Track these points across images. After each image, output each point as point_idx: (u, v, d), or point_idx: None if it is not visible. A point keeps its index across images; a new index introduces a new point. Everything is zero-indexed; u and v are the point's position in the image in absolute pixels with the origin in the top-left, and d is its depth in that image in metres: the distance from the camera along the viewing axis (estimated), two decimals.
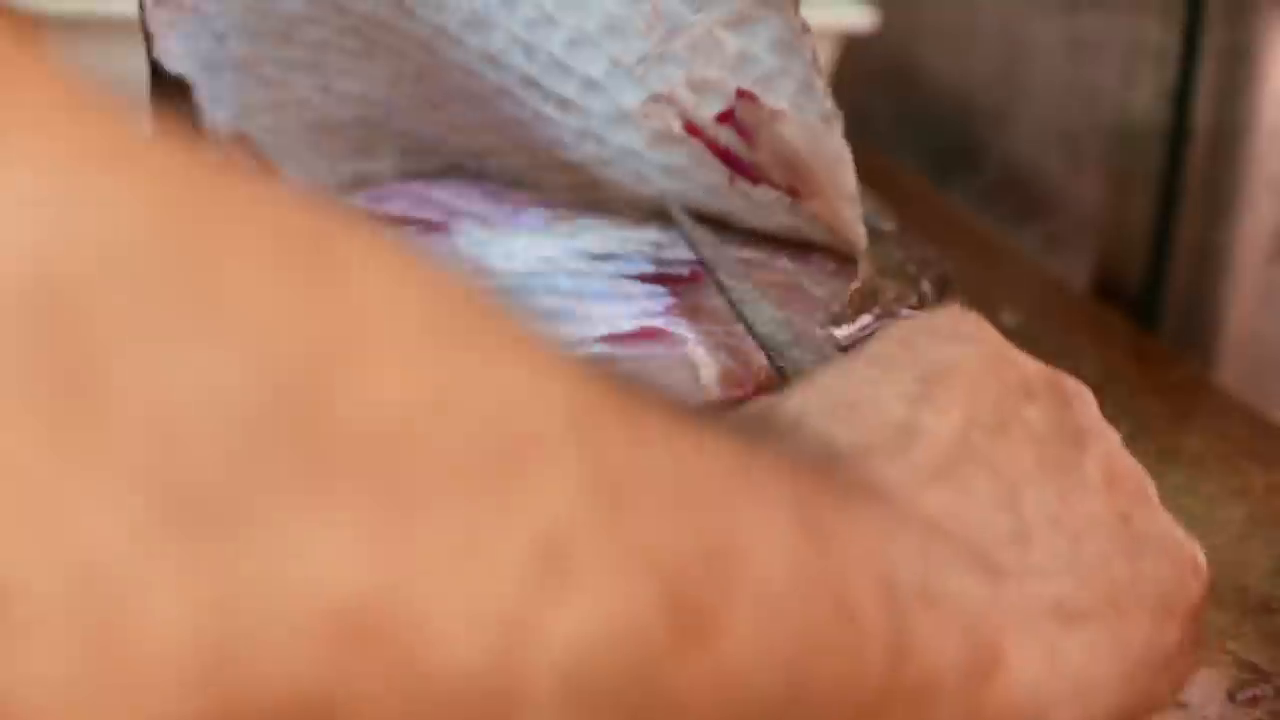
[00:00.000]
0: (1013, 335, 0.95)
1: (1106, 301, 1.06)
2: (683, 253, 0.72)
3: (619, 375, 0.39)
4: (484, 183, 0.78)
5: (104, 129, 0.25)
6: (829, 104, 0.69)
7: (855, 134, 1.26)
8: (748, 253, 0.73)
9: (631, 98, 0.73)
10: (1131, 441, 0.83)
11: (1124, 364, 0.92)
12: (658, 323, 0.68)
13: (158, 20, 0.77)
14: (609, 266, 0.71)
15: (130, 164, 0.25)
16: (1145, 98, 1.02)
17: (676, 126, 0.73)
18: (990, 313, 0.96)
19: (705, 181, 0.74)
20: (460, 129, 0.78)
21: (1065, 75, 1.12)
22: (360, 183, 0.81)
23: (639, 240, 0.73)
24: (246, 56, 0.76)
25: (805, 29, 0.70)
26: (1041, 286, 1.03)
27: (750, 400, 0.64)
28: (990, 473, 0.44)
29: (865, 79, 1.25)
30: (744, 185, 0.73)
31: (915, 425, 0.44)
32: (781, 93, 0.70)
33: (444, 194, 0.77)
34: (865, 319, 0.69)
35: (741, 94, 0.71)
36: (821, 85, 0.69)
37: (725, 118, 0.72)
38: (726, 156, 0.73)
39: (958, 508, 0.43)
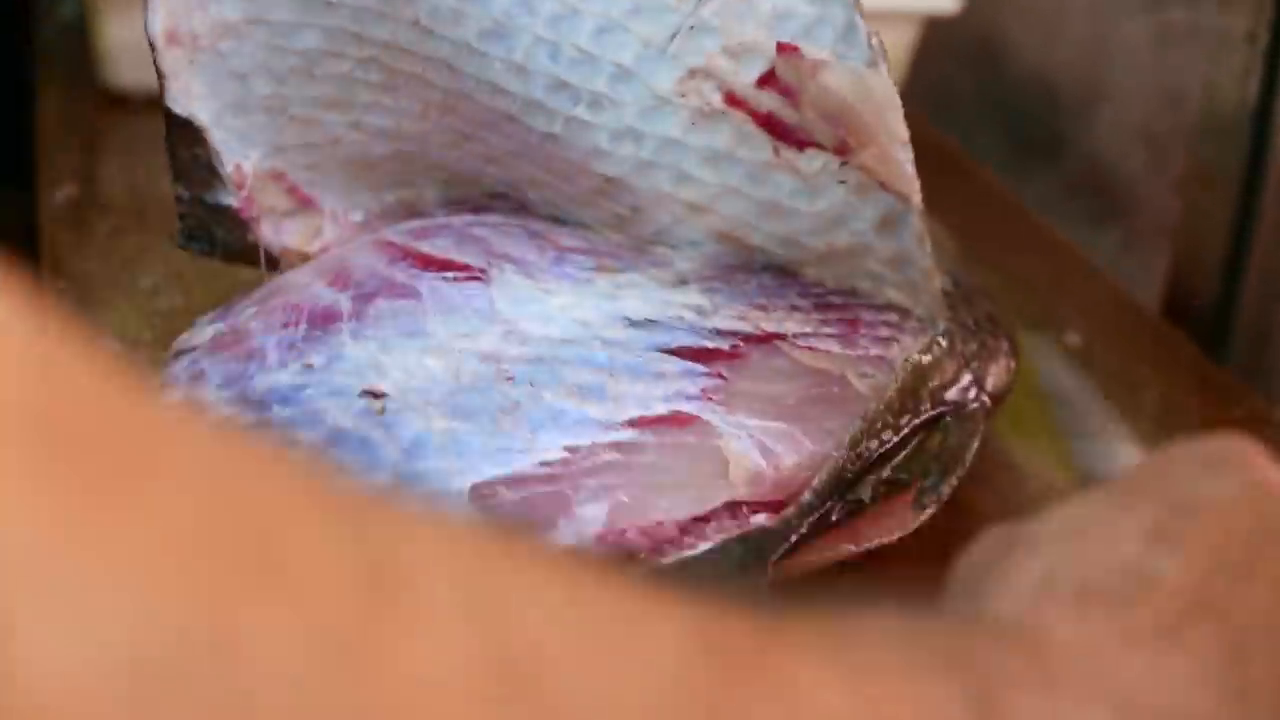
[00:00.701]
0: (1075, 358, 0.95)
1: (1175, 318, 1.04)
2: (728, 321, 0.71)
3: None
4: (529, 218, 0.77)
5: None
6: (874, 45, 0.66)
7: (936, 118, 1.25)
8: (795, 323, 0.71)
9: (666, 78, 0.70)
10: None
11: (1186, 396, 0.91)
12: (691, 408, 0.66)
13: (172, 60, 0.76)
14: (647, 337, 0.70)
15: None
16: (1230, 98, 1.00)
17: (717, 100, 0.70)
18: (1054, 333, 0.96)
19: (750, 161, 0.71)
20: (495, 160, 0.77)
21: (1151, 71, 1.09)
22: (407, 209, 0.81)
23: (681, 304, 0.72)
24: (273, 96, 0.75)
25: None
26: (1110, 302, 1.01)
27: (775, 506, 0.64)
28: (1221, 626, 0.41)
29: (949, 61, 1.23)
30: (790, 154, 0.70)
31: (1148, 568, 0.41)
32: (822, 41, 0.67)
33: (487, 231, 0.76)
34: (905, 419, 0.67)
35: (782, 48, 0.68)
36: (864, 28, 0.66)
37: (766, 80, 0.69)
38: (770, 123, 0.70)
39: (1168, 672, 0.40)
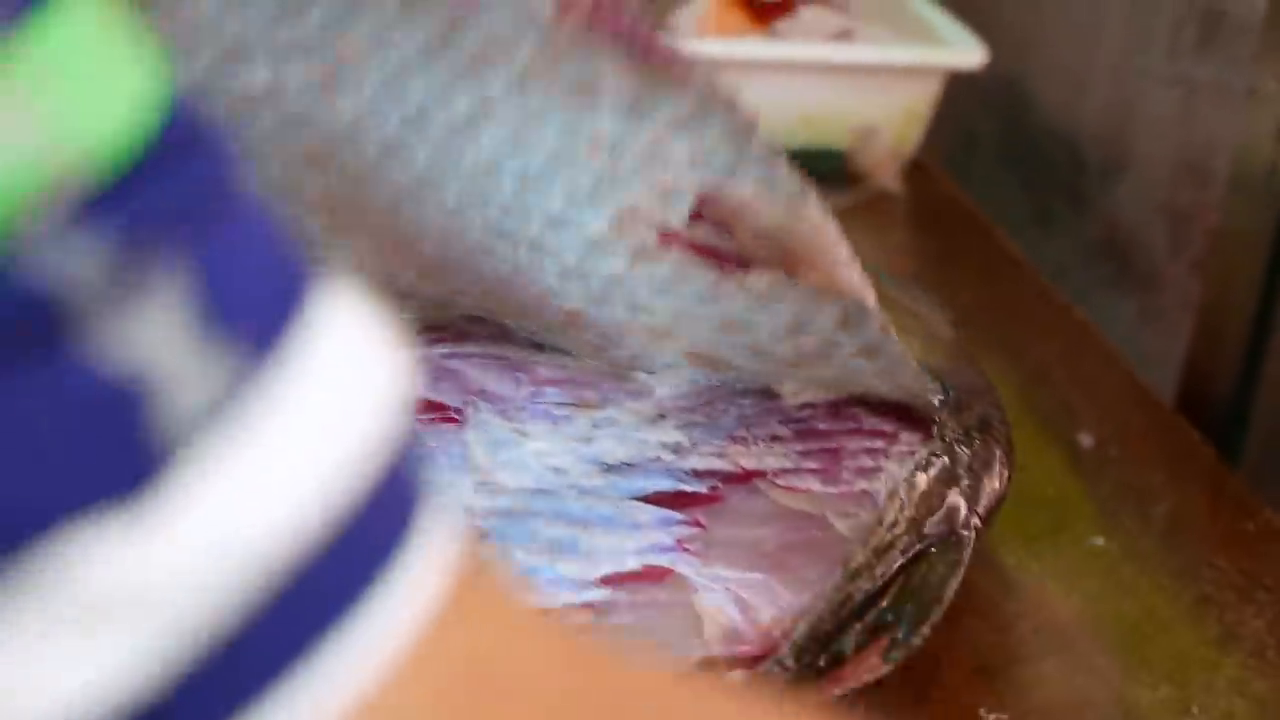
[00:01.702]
0: (1086, 461, 0.96)
1: (1192, 403, 1.05)
2: (706, 460, 0.70)
3: None
4: (508, 345, 0.76)
5: None
6: (796, 180, 0.65)
7: (958, 170, 1.26)
8: (775, 458, 0.70)
9: (597, 223, 0.69)
10: (1194, 622, 0.84)
11: (1196, 510, 0.91)
12: (665, 560, 0.66)
13: None
14: (623, 483, 0.69)
15: None
16: (1259, 161, 1.01)
17: (651, 239, 0.68)
18: (1066, 434, 0.97)
19: (697, 289, 0.69)
20: (462, 291, 0.76)
21: (1175, 143, 1.10)
22: None
23: (659, 444, 0.71)
24: None
25: (751, 119, 0.65)
26: (1126, 396, 1.02)
27: (751, 661, 0.64)
28: None
29: (972, 114, 1.23)
30: (738, 275, 0.68)
31: None
32: (744, 181, 0.66)
33: (463, 364, 0.75)
34: (881, 569, 0.67)
35: (702, 197, 0.67)
36: (784, 164, 0.65)
37: (695, 217, 0.68)
38: (710, 253, 0.69)
39: None
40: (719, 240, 0.69)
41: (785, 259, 0.68)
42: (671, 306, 0.72)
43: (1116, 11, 1.17)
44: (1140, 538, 0.89)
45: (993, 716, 0.74)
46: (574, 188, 0.69)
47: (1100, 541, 0.89)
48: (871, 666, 0.66)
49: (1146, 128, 1.12)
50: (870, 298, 0.69)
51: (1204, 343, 1.05)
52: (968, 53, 1.16)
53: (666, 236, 0.69)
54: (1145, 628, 0.82)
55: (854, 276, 0.68)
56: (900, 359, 0.71)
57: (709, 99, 0.65)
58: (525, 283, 0.73)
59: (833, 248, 0.68)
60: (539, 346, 0.77)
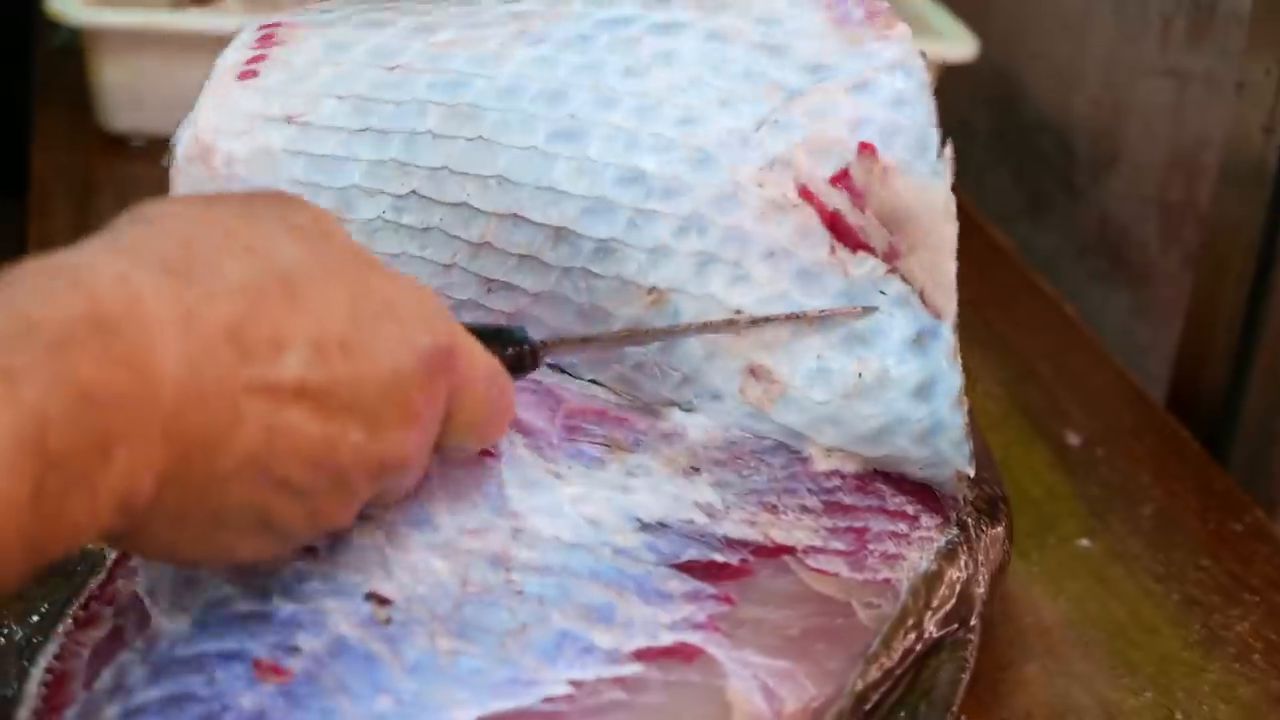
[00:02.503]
0: (1073, 460, 0.97)
1: (1182, 399, 1.06)
2: (739, 527, 0.72)
3: None
4: (545, 373, 0.77)
5: None
6: (941, 157, 0.72)
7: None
8: (804, 532, 0.72)
9: (747, 165, 0.74)
10: (1179, 625, 0.85)
11: (1185, 510, 0.92)
12: (697, 639, 0.66)
13: (189, 180, 0.78)
14: (657, 545, 0.70)
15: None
16: (1251, 151, 1.01)
17: (792, 193, 0.74)
18: (1053, 431, 0.98)
19: (806, 258, 0.74)
20: (514, 315, 0.78)
21: (1167, 137, 1.11)
22: None
23: (693, 503, 0.72)
24: None
25: (925, 84, 0.73)
26: (1115, 393, 1.03)
27: None
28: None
29: (964, 105, 1.24)
30: (844, 254, 0.74)
31: None
32: (893, 147, 0.72)
33: None
34: (898, 666, 0.69)
35: (863, 147, 0.73)
36: (935, 138, 0.72)
37: (839, 179, 0.73)
38: (834, 221, 0.74)
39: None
40: (848, 210, 0.73)
41: (898, 242, 0.73)
42: (771, 280, 0.75)
43: (1107, 4, 1.18)
44: (1127, 538, 0.90)
45: None
46: (735, 127, 0.74)
47: (1086, 543, 0.90)
48: None
49: (1137, 120, 1.13)
50: (952, 310, 0.73)
51: (1195, 336, 1.05)
52: (959, 44, 1.17)
53: (806, 192, 0.74)
54: (1130, 631, 0.83)
55: (950, 274, 0.73)
56: (951, 407, 0.73)
57: (895, 64, 0.74)
58: (623, 257, 0.76)
59: (946, 239, 0.72)
60: (567, 375, 0.79)
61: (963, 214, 1.14)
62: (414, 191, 0.77)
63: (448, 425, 0.65)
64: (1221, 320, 1.03)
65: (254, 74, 0.77)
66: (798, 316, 0.74)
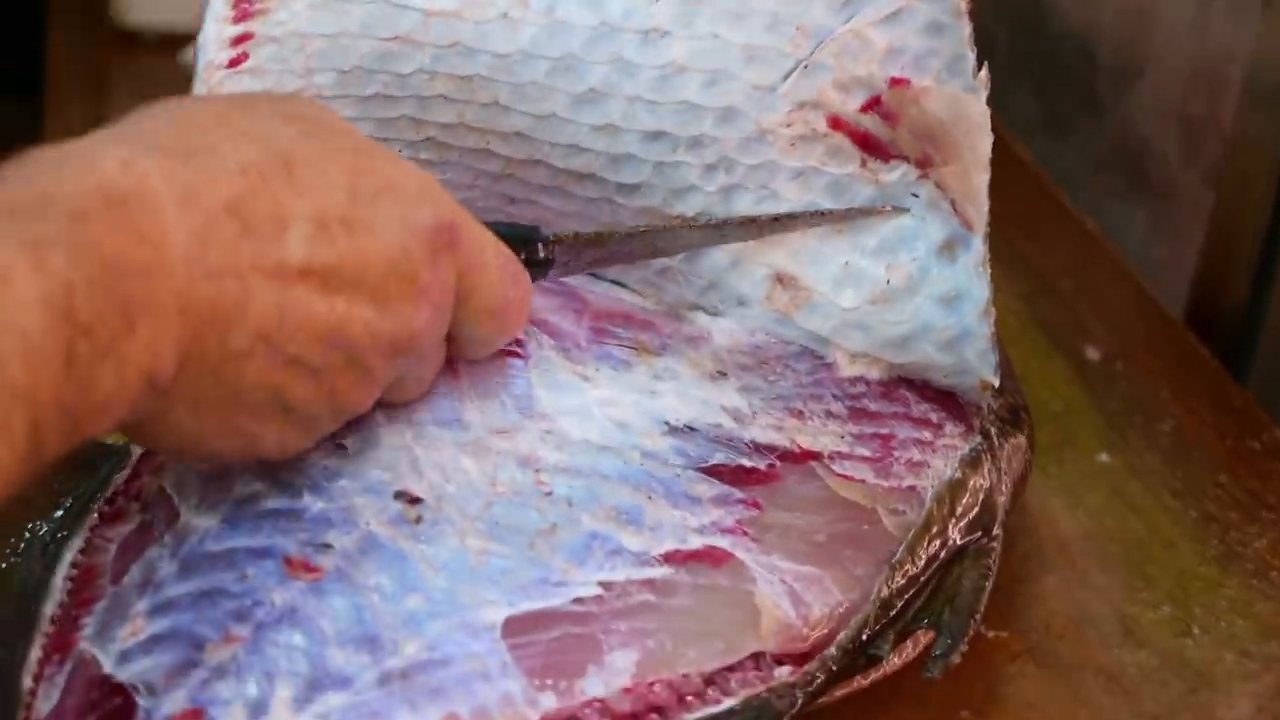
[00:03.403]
0: (1093, 375, 0.98)
1: (1201, 317, 1.07)
2: (765, 432, 0.73)
3: None
4: (565, 279, 0.78)
5: None
6: (977, 75, 0.73)
7: None
8: (830, 438, 0.73)
9: (775, 114, 0.75)
10: (1197, 540, 0.86)
11: (1203, 426, 0.93)
12: (725, 543, 0.68)
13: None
14: (685, 448, 0.71)
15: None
16: (1274, 83, 1.02)
17: (822, 125, 0.75)
18: (1072, 346, 0.99)
19: (836, 174, 0.76)
20: (541, 221, 0.78)
21: (1190, 52, 1.11)
22: None
23: (720, 407, 0.74)
24: None
25: (961, 8, 0.74)
26: (1134, 308, 1.03)
27: (798, 658, 0.66)
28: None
29: (985, 15, 1.24)
30: (875, 165, 0.75)
31: None
32: (929, 70, 0.73)
33: None
34: (921, 572, 0.71)
35: (895, 82, 0.74)
36: (972, 59, 0.73)
37: (870, 106, 0.75)
38: (865, 141, 0.75)
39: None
40: (879, 129, 0.75)
41: (932, 151, 0.74)
42: (800, 198, 0.76)
43: None
44: (1146, 454, 0.91)
45: (993, 634, 0.76)
46: (762, 80, 0.75)
47: (1105, 458, 0.91)
48: (905, 663, 0.70)
49: (1161, 33, 1.13)
50: (983, 222, 0.74)
51: (1215, 254, 1.06)
52: None
53: (836, 123, 0.75)
54: (1148, 546, 0.84)
55: (982, 188, 0.74)
56: (979, 317, 0.74)
57: None
58: (648, 194, 0.77)
59: (980, 152, 0.73)
60: (593, 276, 0.80)
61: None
62: (430, 138, 0.77)
63: (462, 310, 0.67)
64: (1242, 237, 1.04)
65: (243, 58, 0.76)
66: (822, 215, 0.75)
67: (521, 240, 0.71)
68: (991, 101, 1.04)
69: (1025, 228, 1.08)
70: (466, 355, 0.71)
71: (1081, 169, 1.19)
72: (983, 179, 0.73)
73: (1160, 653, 0.78)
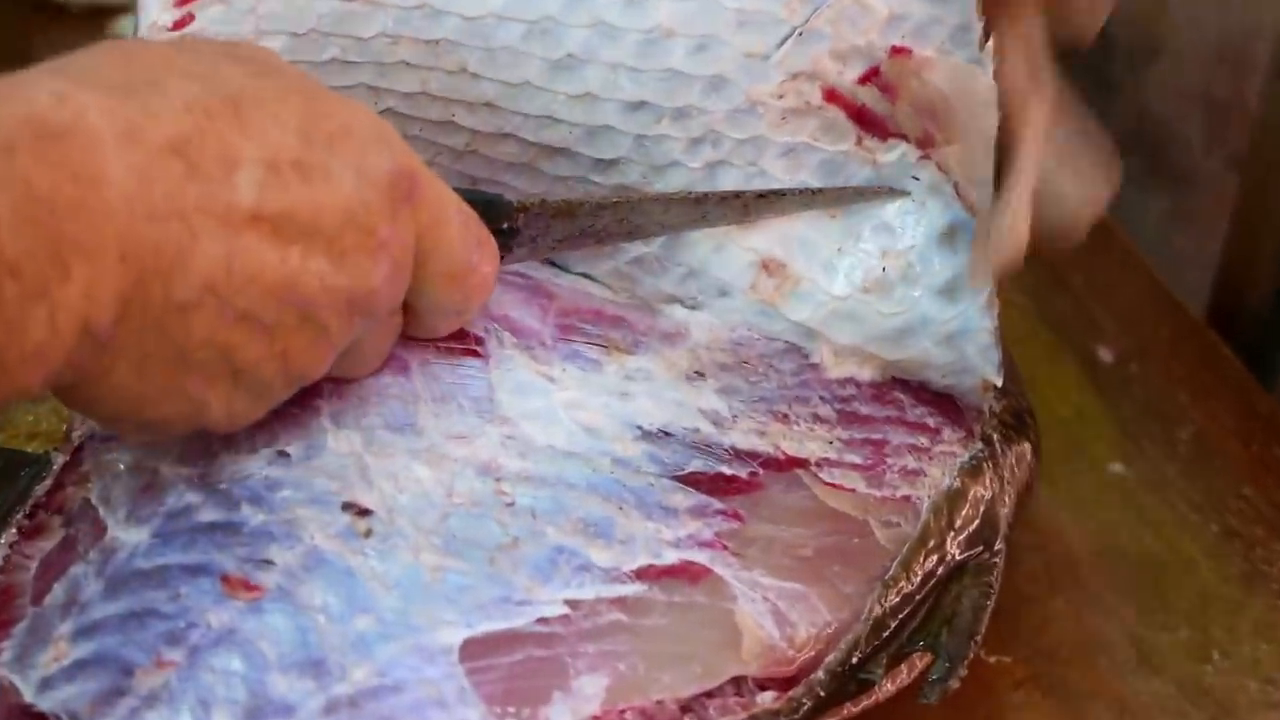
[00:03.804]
0: (1105, 378, 0.98)
1: (1224, 314, 1.07)
2: (747, 437, 0.73)
3: None
4: (534, 266, 0.78)
5: None
6: (984, 46, 0.73)
7: None
8: (818, 444, 0.73)
9: (767, 84, 0.75)
10: (1218, 558, 0.86)
11: (1225, 434, 0.94)
12: (703, 558, 0.68)
13: None
14: (659, 455, 0.71)
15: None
16: None
17: (816, 98, 0.75)
18: (1084, 347, 0.99)
19: (829, 152, 0.76)
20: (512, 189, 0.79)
21: (1215, 29, 1.11)
22: None
23: (697, 410, 0.73)
24: None
25: None
26: (1151, 304, 1.03)
27: (783, 683, 0.66)
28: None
29: None
30: (872, 143, 0.75)
31: None
32: (933, 39, 0.73)
33: None
34: (917, 590, 0.70)
35: (896, 51, 0.74)
36: (978, 29, 0.73)
37: (868, 77, 0.75)
38: (861, 115, 0.75)
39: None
40: (877, 104, 0.75)
41: (934, 129, 0.74)
42: (791, 178, 0.76)
43: None
44: (1163, 464, 0.91)
45: (994, 659, 0.77)
46: (754, 47, 0.75)
47: (1119, 468, 0.91)
48: (899, 689, 0.70)
49: (1182, 8, 1.13)
50: (984, 206, 0.73)
51: (1240, 246, 1.06)
52: None
53: (831, 95, 0.75)
54: (1165, 564, 0.84)
55: (987, 169, 0.73)
56: (981, 310, 0.74)
57: None
58: (624, 171, 0.77)
59: (986, 128, 0.73)
60: (559, 268, 0.80)
61: None
62: (390, 109, 0.77)
63: (422, 271, 0.67)
64: (1269, 227, 1.04)
65: (188, 19, 0.76)
66: (814, 194, 0.75)
67: (485, 207, 0.70)
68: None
69: None
70: (424, 329, 0.71)
71: None
72: (988, 161, 0.73)
73: (1177, 680, 0.78)
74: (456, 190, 0.69)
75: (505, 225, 0.72)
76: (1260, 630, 0.81)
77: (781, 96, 0.75)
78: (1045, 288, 1.03)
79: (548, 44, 0.75)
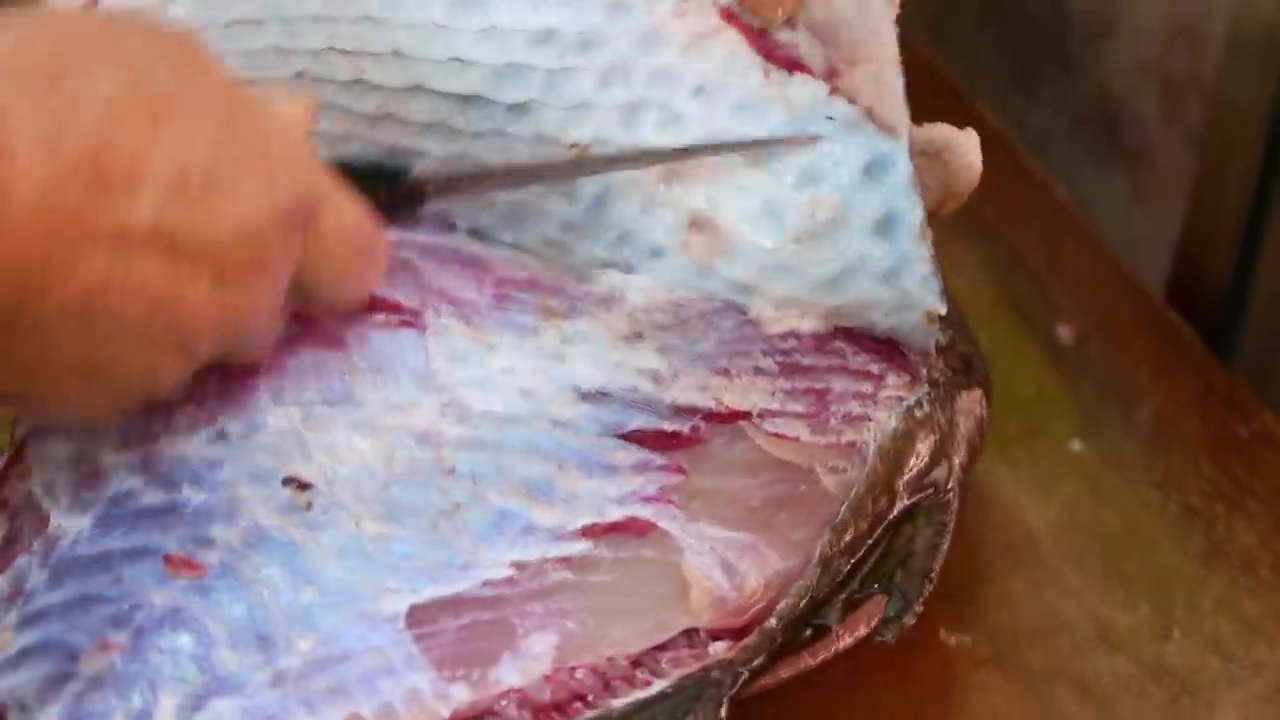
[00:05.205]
0: (1065, 357, 0.97)
1: (1184, 293, 1.07)
2: (688, 393, 0.73)
3: None
4: (456, 237, 0.78)
5: None
6: None
7: (935, 31, 1.26)
8: (760, 395, 0.74)
9: (665, 2, 0.77)
10: (1178, 536, 0.86)
11: (1184, 412, 0.93)
12: (648, 513, 0.69)
13: None
14: (599, 415, 0.72)
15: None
16: (1257, 38, 1.02)
17: (713, 18, 0.76)
18: (1043, 326, 0.99)
19: (741, 85, 0.76)
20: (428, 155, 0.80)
21: (1170, 2, 1.11)
22: None
23: (635, 369, 0.74)
24: None
25: None
26: (1110, 283, 1.03)
27: (736, 632, 0.66)
28: None
29: None
30: (779, 77, 0.76)
31: None
32: None
33: (417, 257, 0.77)
34: (867, 534, 0.71)
35: None
36: None
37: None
38: (761, 41, 0.76)
39: None
40: (777, 33, 0.76)
41: (837, 59, 0.75)
42: (706, 119, 0.77)
43: None
44: (1123, 442, 0.91)
45: (954, 639, 0.77)
46: None
47: (1079, 446, 0.91)
48: (857, 640, 0.71)
49: None
50: (905, 125, 0.74)
51: (1198, 223, 1.07)
52: None
53: (728, 13, 0.76)
54: (1125, 542, 0.85)
55: (897, 86, 0.74)
56: (914, 240, 0.75)
57: None
58: (539, 116, 0.78)
59: (888, 47, 0.74)
60: (493, 242, 0.80)
61: (947, 89, 1.15)
62: (300, 73, 0.79)
63: (311, 275, 0.68)
64: (1227, 205, 1.05)
65: None
66: (730, 147, 0.75)
67: (385, 176, 0.71)
68: (955, 59, 1.04)
69: (992, 196, 1.07)
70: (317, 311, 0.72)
71: (1053, 132, 1.19)
72: (896, 77, 0.74)
73: (1138, 659, 0.78)
74: (359, 165, 0.70)
75: (407, 198, 0.72)
76: (1221, 607, 0.81)
77: (681, 15, 0.77)
78: (1004, 269, 1.03)
79: None
